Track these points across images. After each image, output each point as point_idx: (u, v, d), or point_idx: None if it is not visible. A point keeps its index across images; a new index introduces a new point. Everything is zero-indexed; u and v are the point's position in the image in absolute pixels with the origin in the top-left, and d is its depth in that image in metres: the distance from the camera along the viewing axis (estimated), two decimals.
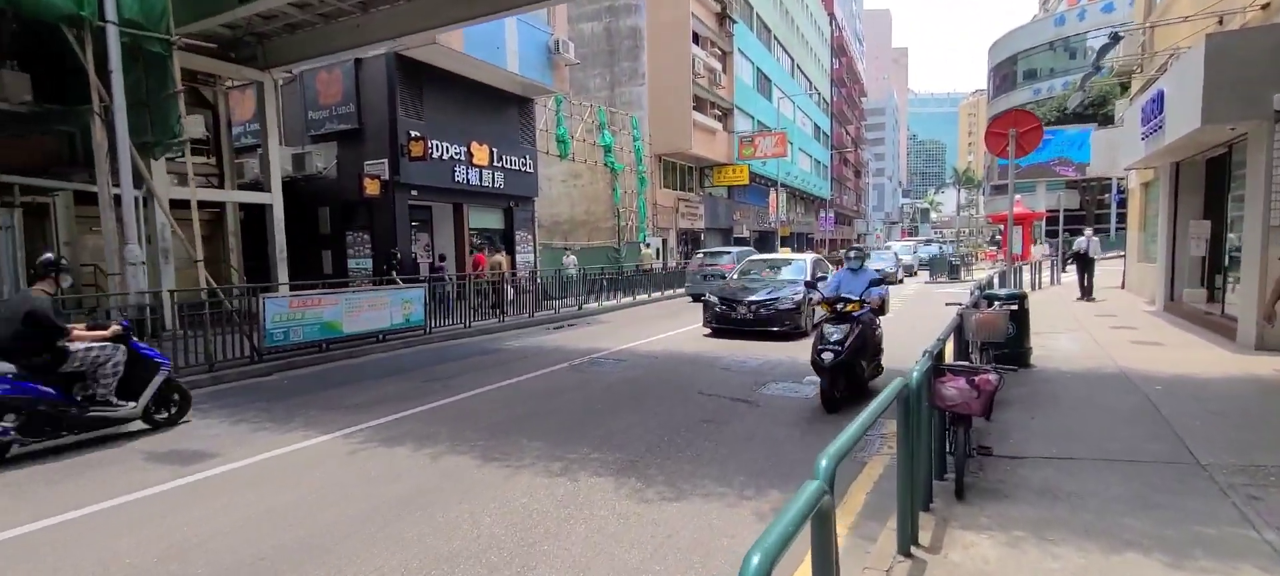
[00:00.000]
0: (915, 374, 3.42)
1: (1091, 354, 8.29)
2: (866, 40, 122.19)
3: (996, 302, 7.48)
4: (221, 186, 14.50)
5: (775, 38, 43.07)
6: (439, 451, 5.30)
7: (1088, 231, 15.66)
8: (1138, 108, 12.04)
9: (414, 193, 15.47)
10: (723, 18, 32.20)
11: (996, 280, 12.79)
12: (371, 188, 14.60)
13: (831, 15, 63.11)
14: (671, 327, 13.10)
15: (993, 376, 3.97)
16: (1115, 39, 15.19)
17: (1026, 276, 18.32)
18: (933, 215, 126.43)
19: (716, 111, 32.72)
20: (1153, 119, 10.60)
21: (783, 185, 42.39)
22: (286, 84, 16.54)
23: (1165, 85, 9.99)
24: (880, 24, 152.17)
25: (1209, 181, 11.75)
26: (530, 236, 19.78)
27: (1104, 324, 11.01)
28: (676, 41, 28.74)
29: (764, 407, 6.55)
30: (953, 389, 3.93)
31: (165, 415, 6.19)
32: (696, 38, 30.12)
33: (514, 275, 16.40)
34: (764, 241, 41.34)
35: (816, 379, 7.04)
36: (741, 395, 7.03)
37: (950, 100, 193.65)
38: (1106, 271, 19.32)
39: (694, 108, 29.65)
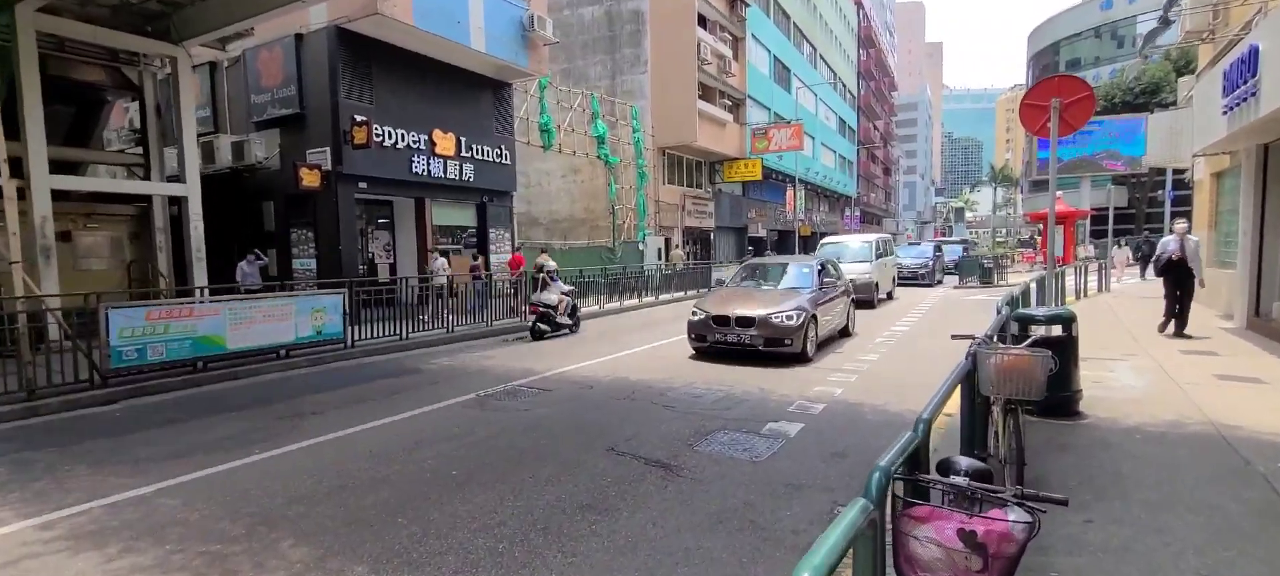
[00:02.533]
0: (849, 518, 1.46)
1: (1164, 396, 6.06)
2: (898, 34, 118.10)
3: (1033, 331, 5.33)
4: (148, 177, 12.97)
5: (795, 25, 40.64)
6: (135, 566, 3.44)
7: (1179, 226, 9.84)
8: (1217, 77, 9.65)
9: (362, 185, 13.77)
10: (734, 1, 30.01)
11: (1034, 290, 10.52)
12: (309, 179, 12.93)
13: (859, 4, 60.20)
14: (647, 342, 11.13)
15: (1015, 523, 1.94)
16: (1166, 21, 12.67)
17: (1069, 282, 15.82)
18: (967, 214, 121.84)
19: (727, 102, 30.54)
20: (1240, 85, 8.26)
21: (802, 182, 39.95)
22: (231, 66, 15.04)
23: (1261, 38, 7.65)
24: (913, 17, 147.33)
25: None
26: (508, 234, 17.97)
27: (1173, 346, 8.69)
28: (681, 25, 26.67)
29: (687, 478, 4.55)
30: (933, 548, 1.93)
31: None
32: (704, 21, 28.00)
33: (482, 277, 14.61)
34: (783, 242, 38.98)
35: (781, 430, 5.10)
36: (665, 455, 5.03)
37: (987, 96, 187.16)
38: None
39: (701, 97, 27.54)
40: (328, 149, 13.21)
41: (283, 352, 9.21)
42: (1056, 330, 5.44)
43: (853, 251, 17.17)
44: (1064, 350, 5.33)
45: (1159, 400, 5.91)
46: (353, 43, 13.28)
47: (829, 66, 48.87)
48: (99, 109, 13.98)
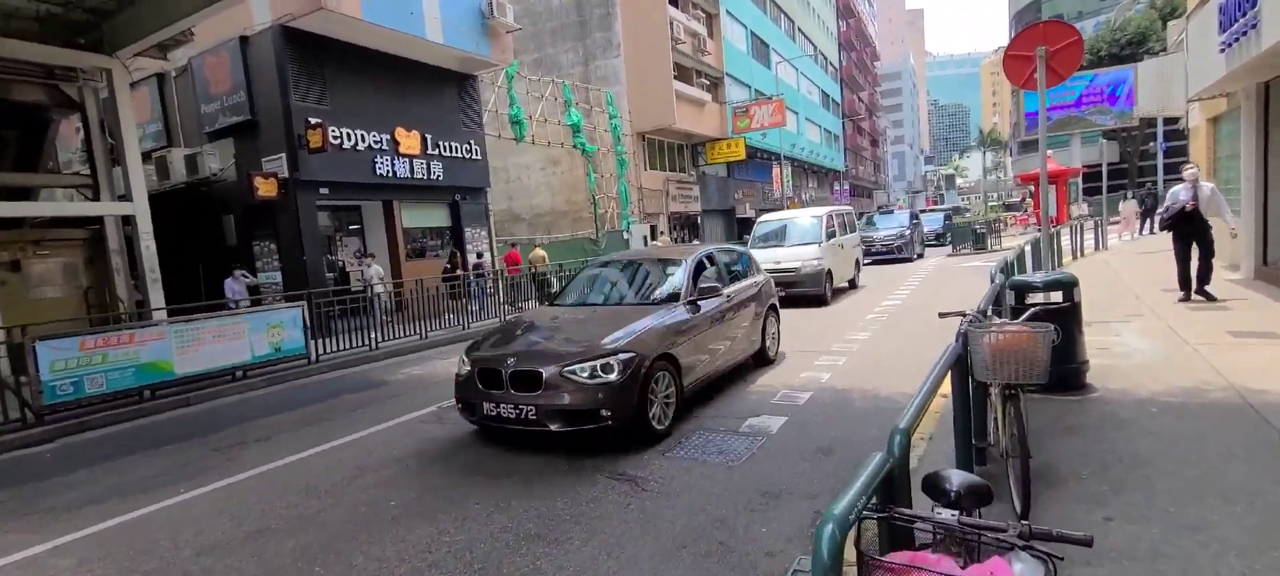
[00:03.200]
0: None
1: (1178, 360, 5.56)
2: (878, 3, 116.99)
3: (1031, 299, 4.82)
4: (97, 198, 12.32)
5: None
6: None
7: (1189, 171, 8.40)
8: (1211, 12, 9.11)
9: (323, 190, 13.16)
10: None
11: (1029, 253, 10.03)
12: (266, 188, 12.31)
13: None
14: None
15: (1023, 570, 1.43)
16: None
17: (1065, 242, 15.35)
18: (959, 181, 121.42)
19: (704, 81, 29.88)
20: (1238, 19, 7.72)
21: (788, 158, 39.35)
22: (179, 76, 14.36)
23: None
24: None
25: None
26: (485, 232, 17.38)
27: (1180, 304, 8.20)
28: (652, 5, 25.96)
29: (654, 492, 4.04)
30: None
31: None
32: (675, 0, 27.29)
33: (462, 277, 14.06)
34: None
35: (762, 425, 4.59)
36: (632, 465, 4.51)
37: (971, 61, 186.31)
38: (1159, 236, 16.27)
39: (677, 77, 26.88)
40: (283, 155, 12.58)
41: (239, 373, 8.66)
42: (1057, 297, 4.92)
43: (799, 231, 13.31)
44: (1067, 319, 4.82)
45: (1173, 365, 5.41)
46: (301, 42, 12.62)
47: (809, 39, 48.13)
48: (44, 130, 13.29)
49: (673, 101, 26.01)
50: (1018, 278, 5.10)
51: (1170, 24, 18.87)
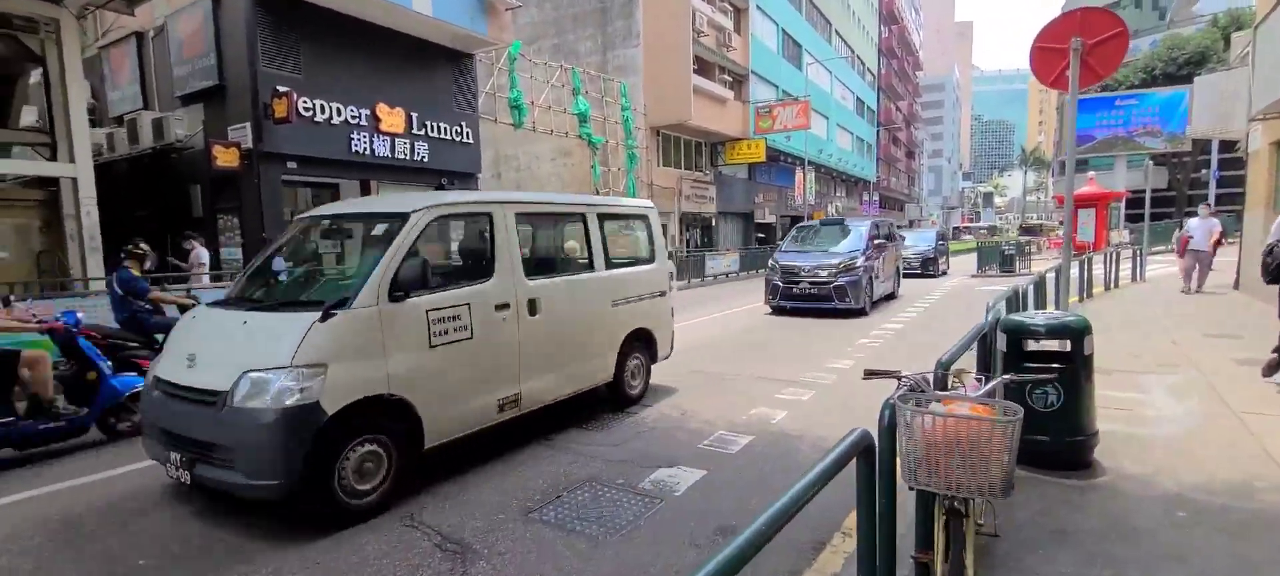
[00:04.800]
0: None
1: (1219, 435, 4.33)
2: (925, 12, 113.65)
3: (1026, 347, 3.67)
4: (53, 157, 11.73)
5: None
6: None
7: None
8: None
9: (291, 165, 12.40)
10: None
11: (1052, 283, 8.70)
12: (225, 158, 11.59)
13: None
14: None
15: None
16: None
17: (1098, 270, 13.84)
18: (996, 199, 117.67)
19: (727, 78, 28.63)
20: None
21: (815, 164, 37.87)
22: (157, 36, 13.77)
23: None
24: None
25: None
26: None
27: (1223, 353, 6.85)
28: None
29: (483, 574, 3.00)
30: None
31: None
32: None
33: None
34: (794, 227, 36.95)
35: (671, 480, 3.56)
36: (480, 526, 3.49)
37: (1020, 77, 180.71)
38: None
39: (698, 72, 25.71)
40: (248, 125, 11.84)
41: None
42: (1059, 344, 3.76)
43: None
44: (1071, 377, 3.66)
45: (1212, 443, 4.18)
46: (275, 5, 11.86)
47: (846, 43, 46.42)
48: (12, 84, 12.82)
49: (690, 96, 24.87)
50: (1014, 317, 3.93)
51: (1234, 37, 17.10)
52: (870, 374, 2.34)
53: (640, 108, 24.45)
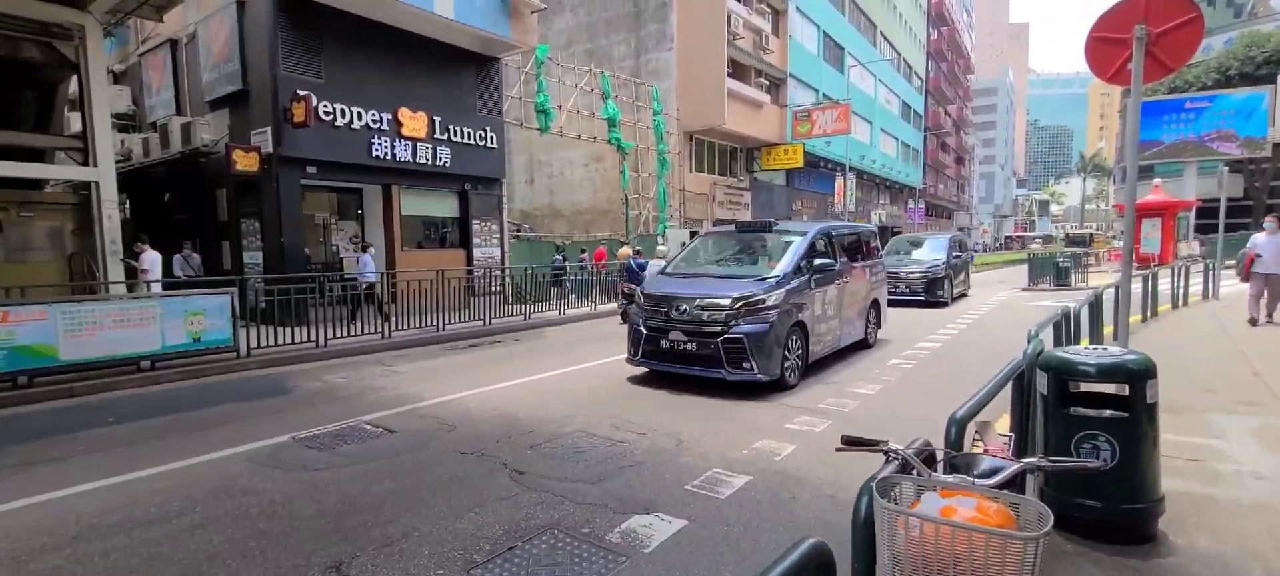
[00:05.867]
0: None
1: None
2: (978, 13, 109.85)
3: (1079, 389, 3.01)
4: (87, 162, 11.94)
5: None
6: None
7: None
8: None
9: (311, 169, 12.33)
10: None
11: (1110, 301, 7.79)
12: (245, 162, 11.57)
13: None
14: (598, 356, 9.10)
15: None
16: None
17: (1164, 286, 12.63)
18: (1053, 207, 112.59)
19: (763, 81, 27.85)
20: None
21: (855, 170, 36.61)
22: (189, 42, 13.97)
23: None
24: None
25: None
26: (496, 226, 16.27)
27: None
28: None
29: None
30: None
31: None
32: None
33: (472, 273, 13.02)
34: None
35: (644, 531, 3.04)
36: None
37: (1079, 81, 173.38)
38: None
39: (733, 76, 25.06)
40: (268, 129, 11.81)
41: (146, 364, 7.74)
42: (1116, 388, 3.07)
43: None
44: (1130, 429, 2.97)
45: None
46: (296, 8, 11.81)
47: (892, 45, 44.93)
48: (52, 92, 13.17)
49: (724, 100, 24.23)
50: (1058, 353, 3.25)
51: None
52: (848, 442, 1.76)
53: (672, 112, 23.95)
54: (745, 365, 6.46)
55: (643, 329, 7.18)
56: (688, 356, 6.81)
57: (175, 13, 13.12)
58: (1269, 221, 9.99)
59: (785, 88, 29.25)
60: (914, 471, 1.63)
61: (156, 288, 10.04)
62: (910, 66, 50.59)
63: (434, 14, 13.00)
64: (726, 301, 6.69)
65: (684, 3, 24.43)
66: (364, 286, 11.49)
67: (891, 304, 13.00)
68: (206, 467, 4.72)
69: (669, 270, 8.19)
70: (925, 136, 55.32)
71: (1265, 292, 9.79)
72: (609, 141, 20.62)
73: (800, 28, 30.63)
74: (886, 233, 35.52)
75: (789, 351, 6.84)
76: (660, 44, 24.85)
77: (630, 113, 22.07)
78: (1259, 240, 9.84)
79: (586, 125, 20.30)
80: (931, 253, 16.76)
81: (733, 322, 6.60)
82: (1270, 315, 9.85)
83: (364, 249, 12.68)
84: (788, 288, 6.95)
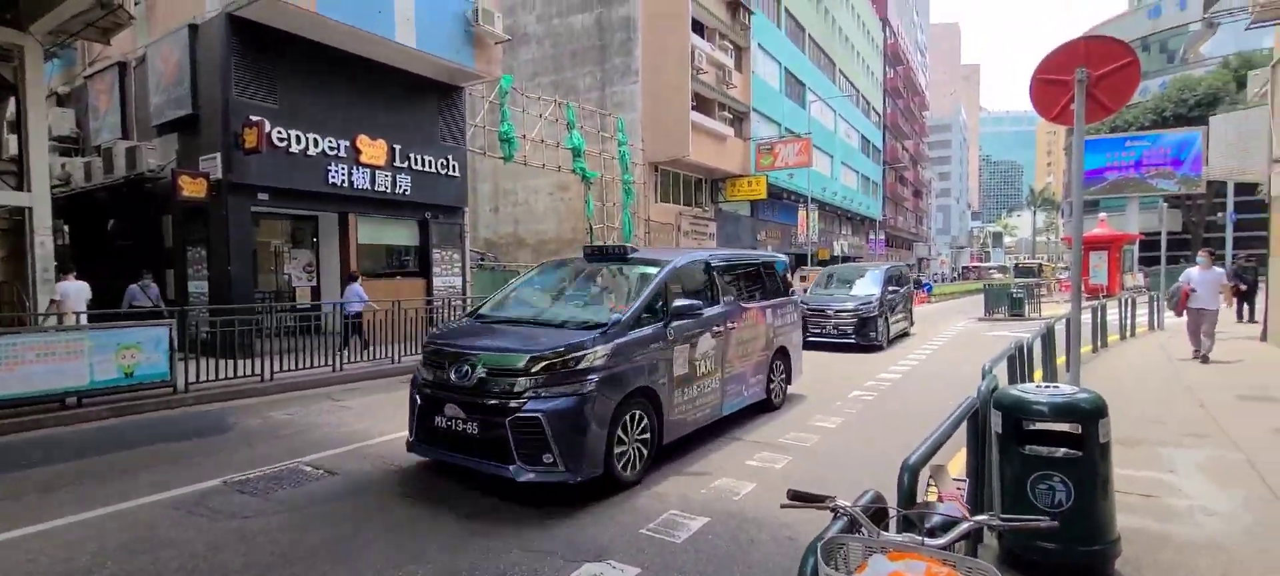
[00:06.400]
0: None
1: (1275, 537, 3.56)
2: (932, 54, 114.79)
3: (1033, 428, 2.97)
4: (21, 187, 11.33)
5: (810, 37, 38.37)
6: None
7: None
8: None
9: (262, 196, 11.93)
10: (736, 7, 27.96)
11: (1061, 333, 7.93)
12: (191, 188, 11.14)
13: (885, 21, 57.72)
14: None
15: None
16: (1210, 24, 10.01)
17: (1113, 316, 13.03)
18: (1006, 239, 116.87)
19: (727, 115, 28.35)
20: None
21: (819, 202, 37.39)
22: (138, 66, 13.52)
23: None
24: (948, 39, 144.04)
25: None
26: (458, 255, 15.98)
27: (1260, 420, 6.05)
28: (674, 32, 24.70)
29: None
30: None
31: None
32: (701, 28, 26.01)
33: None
34: (796, 267, 36.27)
35: None
36: None
37: (1027, 119, 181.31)
38: (1226, 317, 13.79)
39: (697, 108, 25.43)
40: (218, 155, 11.42)
41: (73, 400, 7.24)
42: (1069, 426, 3.04)
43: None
44: (1084, 470, 2.94)
45: (1270, 549, 3.41)
46: (251, 33, 11.53)
47: (850, 82, 46.38)
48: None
49: (688, 132, 24.52)
50: (1012, 391, 3.22)
51: (1251, 75, 16.51)
52: (795, 497, 1.65)
53: (638, 143, 24.11)
54: (545, 458, 4.38)
55: (417, 398, 5.04)
56: (467, 442, 4.68)
57: (125, 35, 12.74)
58: (1202, 256, 10.10)
59: (748, 121, 29.82)
60: (862, 530, 1.53)
61: (84, 319, 9.46)
62: (868, 103, 52.25)
63: (396, 43, 12.85)
64: (520, 363, 4.55)
65: (649, 37, 24.80)
66: (351, 317, 11.21)
67: (818, 348, 12.32)
68: (125, 516, 4.37)
69: (483, 312, 5.97)
70: (884, 170, 56.97)
71: (1200, 327, 9.65)
72: (574, 171, 20.60)
73: (762, 64, 31.38)
74: (853, 261, 36.09)
75: (626, 432, 4.85)
76: (625, 77, 25.11)
77: (595, 143, 22.13)
78: (1192, 275, 9.78)
79: (551, 154, 20.26)
80: (864, 287, 14.16)
81: (529, 394, 4.46)
82: (1207, 354, 9.60)
83: (352, 278, 12.35)
84: (620, 341, 4.82)
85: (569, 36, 26.77)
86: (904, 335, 15.25)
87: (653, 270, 5.73)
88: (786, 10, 34.73)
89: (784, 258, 8.62)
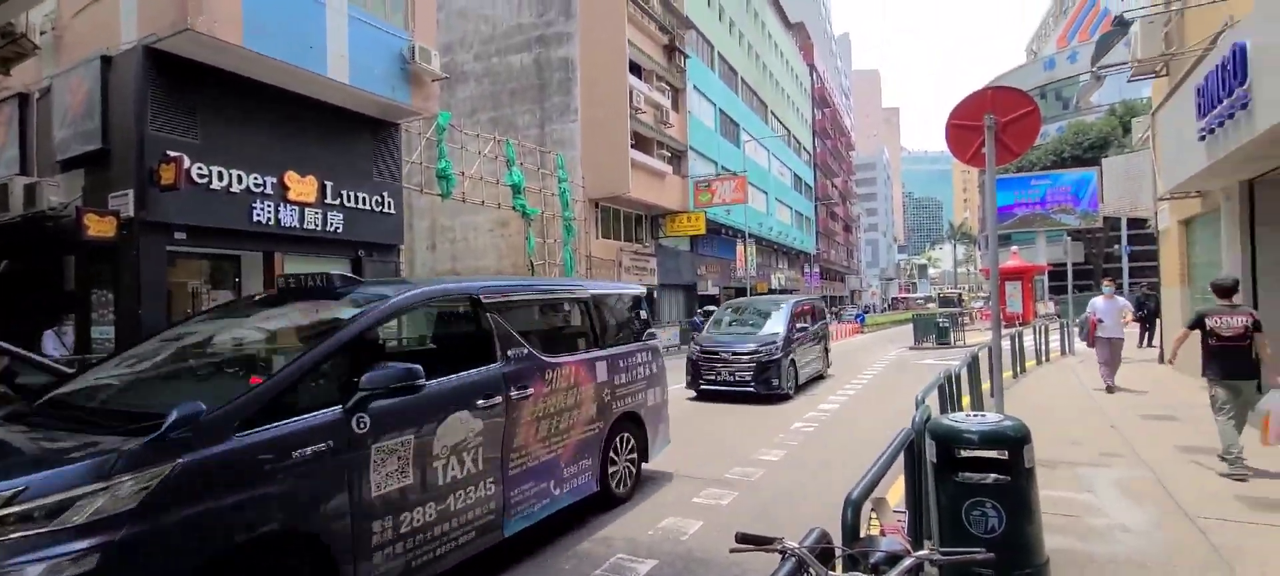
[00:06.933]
0: None
1: (1181, 553, 3.81)
2: (855, 98, 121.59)
3: (966, 455, 3.09)
4: None
5: (743, 80, 39.95)
6: None
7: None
8: (1185, 100, 7.92)
9: (179, 234, 11.24)
10: (671, 51, 28.84)
11: (985, 361, 8.37)
12: (98, 227, 10.38)
13: (812, 66, 60.82)
14: None
15: None
16: (1123, 25, 11.14)
17: (1028, 342, 13.90)
18: (931, 270, 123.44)
19: (665, 153, 29.00)
20: (1222, 100, 6.44)
21: (756, 237, 38.48)
22: (42, 98, 12.63)
23: (1250, 33, 5.86)
24: (869, 84, 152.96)
25: None
26: None
27: (1164, 438, 6.54)
28: (613, 73, 25.23)
29: None
30: None
31: None
32: (639, 70, 26.65)
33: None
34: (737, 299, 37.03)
35: None
36: None
37: (945, 158, 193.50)
38: (1133, 338, 14.90)
39: (637, 147, 25.91)
40: (130, 192, 10.72)
41: None
42: (997, 453, 3.19)
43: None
44: (1013, 495, 3.08)
45: (1178, 565, 3.65)
46: (171, 66, 10.99)
47: (782, 123, 48.39)
48: None
49: (628, 170, 24.91)
50: (944, 421, 3.36)
51: (1135, 121, 18.25)
52: (742, 539, 1.65)
53: (578, 180, 24.26)
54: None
55: None
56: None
57: (29, 65, 11.94)
58: (1106, 285, 10.61)
59: (686, 159, 30.54)
60: (810, 570, 1.54)
61: None
62: (799, 142, 54.57)
63: (328, 78, 12.52)
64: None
65: (587, 78, 25.20)
66: None
67: (713, 398, 10.67)
68: None
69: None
70: (816, 206, 59.34)
71: (1110, 358, 9.87)
72: (514, 208, 20.47)
73: (698, 105, 32.35)
74: (782, 292, 37.06)
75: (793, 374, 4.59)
76: (565, 115, 25.35)
77: (536, 180, 22.13)
78: (1098, 304, 10.10)
79: (491, 191, 20.09)
80: (767, 324, 11.99)
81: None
82: (1110, 381, 9.77)
83: None
84: (198, 459, 2.66)
85: (508, 75, 26.88)
86: (819, 377, 13.20)
87: (349, 314, 3.62)
88: (720, 55, 36.08)
89: (640, 288, 6.62)
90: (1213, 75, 6.59)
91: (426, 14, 15.08)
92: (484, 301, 4.41)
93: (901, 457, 3.43)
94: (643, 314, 6.34)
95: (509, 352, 4.32)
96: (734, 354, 11.14)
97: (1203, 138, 7.09)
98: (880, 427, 7.22)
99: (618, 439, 5.39)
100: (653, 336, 6.25)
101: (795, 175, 52.22)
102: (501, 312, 4.48)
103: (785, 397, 10.81)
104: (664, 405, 6.21)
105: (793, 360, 11.41)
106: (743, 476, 6.13)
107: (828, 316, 18.12)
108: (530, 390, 4.37)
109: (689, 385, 11.58)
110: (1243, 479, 4.98)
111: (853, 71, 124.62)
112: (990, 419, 3.31)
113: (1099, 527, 4.18)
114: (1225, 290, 5.75)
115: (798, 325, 12.22)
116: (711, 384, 11.23)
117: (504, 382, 4.18)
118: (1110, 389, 9.66)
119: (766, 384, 10.74)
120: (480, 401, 3.96)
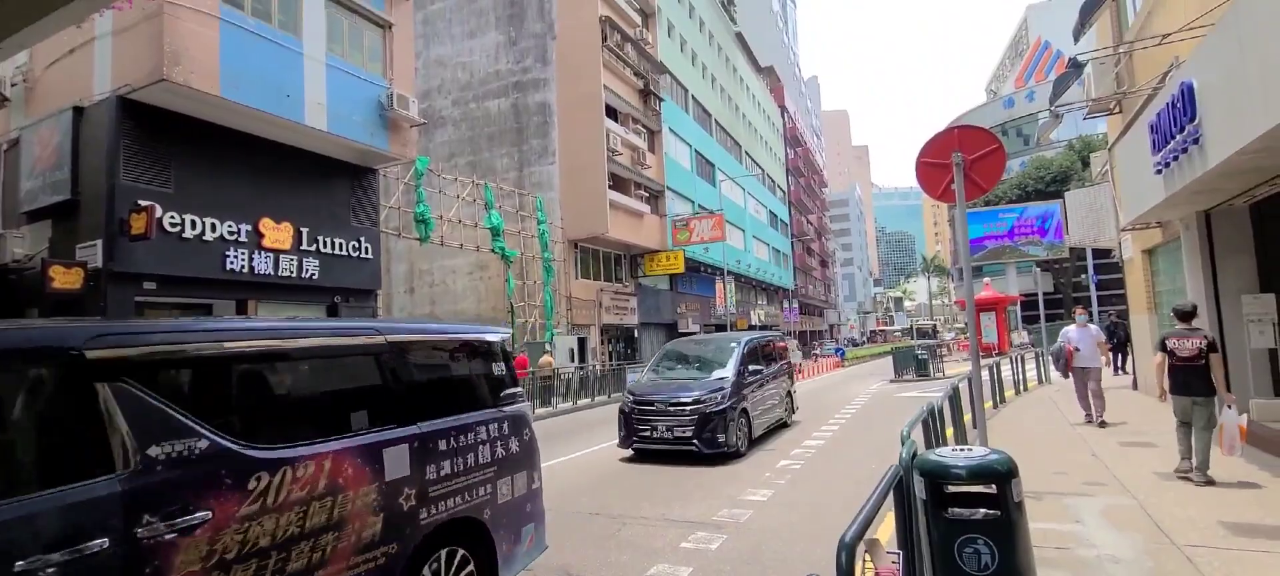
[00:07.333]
0: None
1: (1178, 572, 3.83)
2: (826, 137, 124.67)
3: (955, 491, 3.10)
4: None
5: (717, 122, 40.83)
6: None
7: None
8: (1140, 135, 8.27)
9: (149, 284, 11.01)
10: (647, 94, 29.45)
11: (965, 392, 8.46)
12: (63, 280, 10.13)
13: (783, 107, 62.41)
14: None
15: None
16: (1077, 66, 11.68)
17: (1006, 373, 14.08)
18: (906, 303, 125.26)
19: (643, 193, 29.35)
20: (1174, 136, 6.74)
21: (733, 274, 38.81)
22: (10, 149, 12.43)
23: (1195, 72, 6.17)
24: (839, 123, 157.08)
25: (1262, 235, 7.86)
26: None
27: (1143, 465, 6.63)
28: (590, 116, 25.64)
29: None
30: None
31: None
32: (615, 113, 27.11)
33: None
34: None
35: None
36: None
37: (915, 193, 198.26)
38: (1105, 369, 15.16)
39: (614, 187, 26.18)
40: (99, 242, 10.51)
41: None
42: (985, 487, 3.20)
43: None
44: (1004, 531, 3.09)
45: None
46: (145, 116, 10.93)
47: (756, 162, 49.35)
48: None
49: (607, 210, 25.11)
50: (931, 457, 3.38)
51: (1093, 156, 18.98)
52: None
53: (557, 221, 24.36)
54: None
55: None
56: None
57: None
58: (1079, 314, 10.57)
59: (664, 199, 30.91)
60: None
61: None
62: (774, 181, 55.63)
63: (305, 126, 12.54)
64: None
65: (565, 121, 25.56)
66: None
67: (648, 458, 9.01)
68: None
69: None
70: (793, 242, 60.21)
71: (1089, 385, 9.55)
72: (494, 250, 20.44)
73: (673, 146, 32.92)
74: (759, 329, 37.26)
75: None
76: (543, 158, 25.59)
77: (515, 222, 22.18)
78: (1071, 333, 9.86)
79: (469, 234, 20.07)
80: (714, 370, 9.67)
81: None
82: (1101, 414, 9.39)
83: None
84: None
85: (486, 120, 27.15)
86: (782, 426, 11.30)
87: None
88: (693, 98, 36.91)
89: (498, 333, 4.52)
90: (1164, 112, 6.91)
91: (404, 62, 15.25)
92: (90, 359, 2.35)
93: (892, 497, 3.43)
94: (498, 368, 4.34)
95: (150, 450, 2.40)
96: (672, 405, 8.98)
97: (1159, 171, 7.38)
98: (840, 511, 5.69)
99: (433, 564, 3.46)
100: (514, 398, 4.34)
101: (771, 212, 53.08)
102: (145, 378, 2.48)
103: (736, 455, 8.81)
104: (533, 497, 4.30)
105: (744, 410, 9.37)
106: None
107: (792, 354, 15.83)
108: (203, 514, 2.48)
109: (622, 443, 9.40)
110: (1196, 483, 5.75)
111: (822, 110, 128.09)
112: (976, 453, 3.33)
113: (1089, 559, 4.19)
114: (1185, 315, 6.28)
115: (750, 367, 10.01)
116: (645, 443, 9.12)
117: (125, 508, 2.28)
118: (1102, 424, 9.20)
119: (711, 441, 8.65)
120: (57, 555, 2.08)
